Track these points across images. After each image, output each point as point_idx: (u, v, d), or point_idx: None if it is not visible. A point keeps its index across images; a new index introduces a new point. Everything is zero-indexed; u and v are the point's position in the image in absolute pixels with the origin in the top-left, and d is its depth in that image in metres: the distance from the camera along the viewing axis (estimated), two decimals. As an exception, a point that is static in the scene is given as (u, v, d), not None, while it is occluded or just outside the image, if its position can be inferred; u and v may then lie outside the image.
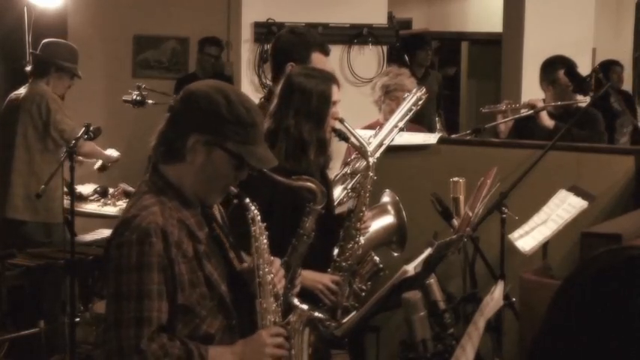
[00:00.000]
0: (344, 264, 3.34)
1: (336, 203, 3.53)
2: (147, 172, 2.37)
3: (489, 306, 2.39)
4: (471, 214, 3.40)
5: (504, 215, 3.62)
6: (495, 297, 2.47)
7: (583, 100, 5.03)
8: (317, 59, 3.59)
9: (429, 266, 2.97)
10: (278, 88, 3.31)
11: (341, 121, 3.34)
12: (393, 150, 3.90)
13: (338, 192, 3.60)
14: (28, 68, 5.45)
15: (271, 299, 2.37)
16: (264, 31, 6.09)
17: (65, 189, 5.07)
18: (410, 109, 3.87)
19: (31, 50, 5.91)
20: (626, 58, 8.71)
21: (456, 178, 3.67)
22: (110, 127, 5.97)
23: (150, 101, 4.58)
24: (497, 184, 3.59)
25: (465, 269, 3.77)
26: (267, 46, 5.59)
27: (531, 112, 4.93)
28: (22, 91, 5.37)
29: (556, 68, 5.05)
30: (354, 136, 3.40)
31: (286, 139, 3.19)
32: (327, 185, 3.32)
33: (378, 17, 6.36)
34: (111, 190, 5.75)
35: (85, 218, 5.57)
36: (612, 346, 1.21)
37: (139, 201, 2.29)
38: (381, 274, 3.46)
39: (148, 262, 2.19)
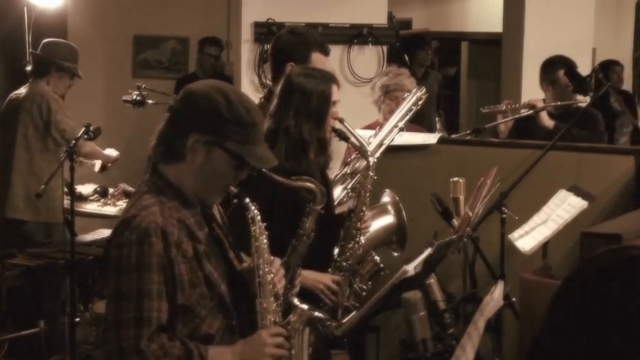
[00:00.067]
0: (344, 264, 3.34)
1: (336, 203, 3.53)
2: (147, 172, 2.37)
3: (489, 306, 2.39)
4: (471, 214, 3.40)
5: (504, 215, 3.62)
6: (495, 297, 2.47)
7: (583, 100, 5.03)
8: (317, 59, 3.59)
9: (429, 266, 2.97)
10: (278, 88, 3.31)
11: (341, 121, 3.34)
12: (393, 150, 3.90)
13: (338, 192, 3.60)
14: (29, 68, 5.46)
15: (271, 299, 2.37)
16: (264, 31, 6.09)
17: (65, 189, 5.07)
18: (410, 109, 3.87)
19: (31, 50, 5.91)
20: (626, 58, 8.71)
21: (456, 178, 3.67)
22: (110, 127, 5.97)
23: (150, 101, 4.59)
24: (497, 184, 3.59)
25: (465, 269, 3.77)
26: (267, 46, 5.59)
27: (531, 112, 4.93)
28: (22, 90, 5.37)
29: (556, 68, 5.05)
30: (354, 136, 3.40)
31: (286, 139, 3.19)
32: (327, 185, 3.32)
33: (378, 17, 6.36)
34: (111, 190, 5.75)
35: (85, 218, 5.57)
36: (612, 346, 1.21)
37: (138, 201, 2.29)
38: (381, 273, 3.46)
39: (147, 262, 2.19)
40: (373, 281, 3.46)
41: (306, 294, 3.07)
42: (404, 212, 3.57)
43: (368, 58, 6.33)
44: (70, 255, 4.54)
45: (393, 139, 3.80)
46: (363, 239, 3.35)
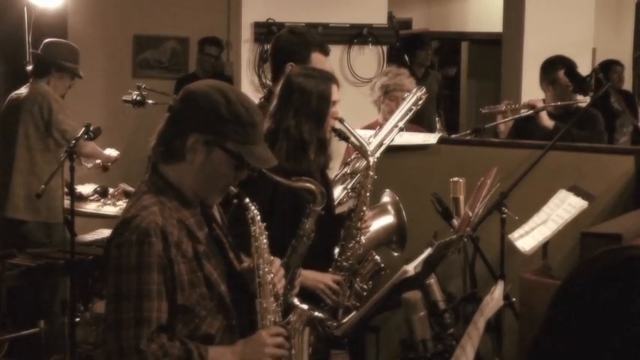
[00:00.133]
0: (345, 263, 3.34)
1: (336, 203, 3.53)
2: (147, 172, 2.37)
3: (489, 306, 2.39)
4: (470, 214, 3.40)
5: (504, 215, 3.62)
6: (495, 297, 2.47)
7: (583, 100, 5.03)
8: (317, 59, 3.59)
9: (429, 266, 2.97)
10: (278, 88, 3.31)
11: (341, 120, 3.34)
12: (393, 150, 3.90)
13: (338, 192, 3.60)
14: (29, 68, 5.46)
15: (271, 299, 2.37)
16: (264, 31, 6.09)
17: (65, 189, 5.07)
18: (410, 109, 3.87)
19: (31, 50, 5.91)
20: (626, 58, 8.71)
21: (456, 178, 3.67)
22: (110, 127, 5.97)
23: (150, 101, 4.59)
24: (497, 184, 3.59)
25: (465, 269, 3.77)
26: (267, 46, 5.59)
27: (531, 112, 4.93)
28: (23, 90, 5.37)
29: (556, 68, 5.05)
30: (354, 136, 3.40)
31: (286, 139, 3.19)
32: (328, 185, 3.32)
33: (378, 17, 6.36)
34: (111, 190, 5.75)
35: (85, 218, 5.57)
36: (612, 346, 1.21)
37: (138, 201, 2.29)
38: (382, 273, 3.46)
39: (147, 263, 2.19)
40: (374, 281, 3.46)
41: (307, 294, 3.07)
42: (404, 212, 3.57)
43: (368, 58, 6.33)
44: (70, 255, 4.54)
45: (393, 139, 3.80)
46: (363, 239, 3.36)
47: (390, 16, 6.82)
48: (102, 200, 5.68)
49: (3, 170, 5.30)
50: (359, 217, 3.33)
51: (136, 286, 2.18)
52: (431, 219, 3.68)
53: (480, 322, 2.29)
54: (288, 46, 3.65)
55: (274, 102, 3.27)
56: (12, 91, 5.54)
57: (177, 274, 2.22)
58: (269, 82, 4.94)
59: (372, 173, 3.36)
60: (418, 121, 4.88)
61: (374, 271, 3.47)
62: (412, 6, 9.99)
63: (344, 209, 3.49)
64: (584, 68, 5.52)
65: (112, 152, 5.64)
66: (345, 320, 3.05)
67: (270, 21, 6.11)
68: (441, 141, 4.35)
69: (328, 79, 3.28)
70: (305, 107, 3.20)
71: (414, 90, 3.97)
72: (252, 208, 2.37)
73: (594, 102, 4.82)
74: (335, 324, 3.00)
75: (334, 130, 3.30)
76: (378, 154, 3.63)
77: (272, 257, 2.43)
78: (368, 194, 3.35)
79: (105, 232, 5.23)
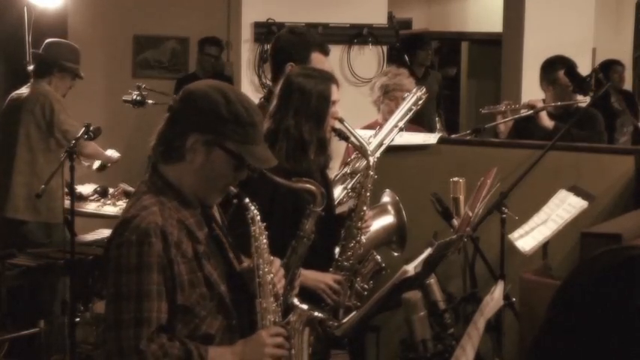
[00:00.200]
0: (346, 263, 3.34)
1: (336, 203, 3.53)
2: (147, 172, 2.37)
3: (489, 306, 2.39)
4: (470, 214, 3.40)
5: (504, 215, 3.62)
6: (495, 297, 2.47)
7: (583, 100, 5.03)
8: (316, 59, 3.59)
9: (429, 266, 2.97)
10: (278, 88, 3.31)
11: (341, 120, 3.34)
12: (393, 150, 3.90)
13: (338, 192, 3.60)
14: (30, 68, 5.45)
15: (271, 299, 2.37)
16: (264, 31, 6.09)
17: (65, 189, 5.07)
18: (410, 109, 3.86)
19: (32, 50, 5.91)
20: (626, 58, 8.70)
21: (456, 178, 3.67)
22: (110, 127, 5.97)
23: (150, 101, 4.59)
24: (497, 184, 3.59)
25: (465, 269, 3.77)
26: (267, 46, 5.59)
27: (531, 112, 4.93)
28: (24, 90, 5.37)
29: (556, 68, 5.04)
30: (354, 136, 3.40)
31: (286, 139, 3.19)
32: (328, 185, 3.32)
33: (378, 17, 6.36)
34: (111, 190, 5.75)
35: (85, 218, 5.57)
36: (612, 346, 1.21)
37: (138, 201, 2.29)
38: (383, 272, 3.46)
39: (147, 263, 2.18)
40: (374, 280, 3.46)
41: (308, 294, 3.07)
42: (404, 212, 3.57)
43: (368, 58, 6.33)
44: (70, 255, 4.54)
45: (393, 139, 3.79)
46: (364, 239, 3.36)
47: (390, 16, 6.82)
48: (102, 200, 5.68)
49: (3, 170, 5.30)
50: (359, 217, 3.33)
51: (135, 287, 2.18)
52: (431, 219, 3.68)
53: (480, 322, 2.30)
54: (288, 46, 3.65)
55: (274, 102, 3.27)
56: (12, 91, 5.54)
57: (177, 275, 2.22)
58: (269, 82, 4.94)
59: (372, 173, 3.36)
60: (418, 121, 4.88)
61: (375, 270, 3.47)
62: (412, 6, 9.99)
63: (344, 209, 3.49)
64: (584, 68, 5.52)
65: (113, 153, 5.64)
66: (345, 320, 3.05)
67: (270, 21, 6.11)
68: (441, 141, 4.35)
69: (328, 79, 3.28)
70: (305, 107, 3.20)
71: (414, 90, 3.96)
72: (252, 208, 2.37)
73: (594, 102, 4.82)
74: (335, 324, 3.00)
75: (334, 130, 3.30)
76: (378, 154, 3.63)
77: (272, 257, 2.43)
78: (368, 194, 3.35)
79: (105, 232, 5.23)
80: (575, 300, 1.27)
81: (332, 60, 3.95)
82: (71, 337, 4.55)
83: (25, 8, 6.34)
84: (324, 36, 5.27)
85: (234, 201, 2.38)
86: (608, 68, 7.08)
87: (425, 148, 4.30)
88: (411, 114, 3.87)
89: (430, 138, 4.38)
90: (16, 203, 5.21)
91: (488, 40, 9.50)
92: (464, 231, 3.35)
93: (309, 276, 3.17)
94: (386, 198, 3.66)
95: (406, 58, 7.57)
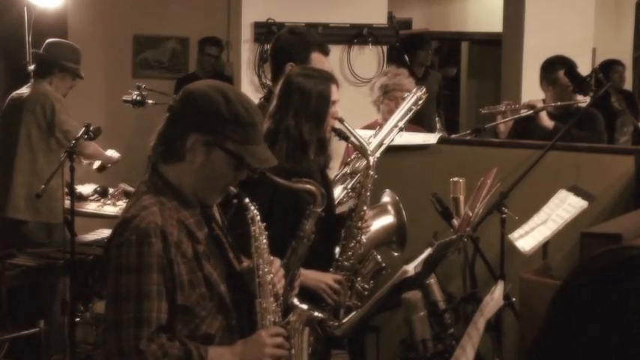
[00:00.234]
0: (346, 263, 3.34)
1: (336, 203, 3.53)
2: (146, 172, 2.37)
3: (489, 306, 2.39)
4: (471, 214, 3.40)
5: (504, 215, 3.62)
6: (495, 297, 2.47)
7: (583, 100, 5.03)
8: (316, 59, 3.59)
9: (429, 266, 2.97)
10: (277, 88, 3.31)
11: (340, 120, 3.34)
12: (393, 150, 3.90)
13: (338, 192, 3.60)
14: (31, 68, 5.45)
15: (271, 299, 2.37)
16: (264, 31, 6.09)
17: (65, 189, 5.07)
18: (410, 109, 3.86)
19: (32, 50, 5.91)
20: (626, 58, 8.70)
21: (456, 178, 3.67)
22: (110, 127, 5.97)
23: (150, 101, 4.59)
24: (497, 184, 3.59)
25: (465, 269, 3.77)
26: (267, 46, 5.59)
27: (531, 112, 4.93)
28: (24, 90, 5.37)
29: (556, 68, 5.05)
30: (354, 136, 3.40)
31: (286, 140, 3.19)
32: (328, 185, 3.32)
33: (378, 17, 6.36)
34: (111, 190, 5.75)
35: (85, 218, 5.57)
36: (612, 346, 1.21)
37: (138, 201, 2.29)
38: (383, 272, 3.46)
39: (147, 263, 2.18)
40: (375, 280, 3.46)
41: (308, 294, 3.07)
42: (404, 212, 3.57)
43: (368, 58, 6.33)
44: (70, 255, 4.54)
45: (393, 139, 3.79)
46: (364, 238, 3.36)
47: (390, 16, 6.82)
48: (102, 200, 5.68)
49: (4, 170, 5.30)
50: (359, 217, 3.33)
51: (135, 287, 2.18)
52: (431, 219, 3.68)
53: (480, 322, 2.29)
54: (287, 46, 3.64)
55: (274, 102, 3.27)
56: (12, 90, 5.54)
57: (177, 275, 2.22)
58: (269, 82, 4.94)
59: (372, 173, 3.36)
60: (418, 121, 4.88)
61: (375, 270, 3.47)
62: (412, 6, 9.99)
63: (344, 209, 3.49)
64: (584, 68, 5.52)
65: (113, 154, 5.64)
66: (345, 320, 3.05)
67: (270, 21, 6.11)
68: (441, 141, 4.35)
69: (328, 79, 3.28)
70: (305, 107, 3.20)
71: (414, 90, 3.96)
72: (252, 208, 2.37)
73: (594, 102, 4.82)
74: (335, 324, 3.00)
75: (334, 129, 3.30)
76: (378, 154, 3.63)
77: (272, 257, 2.43)
78: (368, 194, 3.35)
79: (105, 232, 5.23)
80: (575, 300, 1.27)
81: (332, 60, 3.94)
82: (71, 337, 4.55)
83: (25, 8, 6.34)
84: (324, 36, 5.27)
85: (234, 201, 2.38)
86: (609, 68, 7.07)
87: (425, 148, 4.30)
88: (411, 114, 3.87)
89: (430, 138, 4.38)
90: (16, 203, 5.21)
91: (488, 40, 9.50)
92: (464, 231, 3.35)
93: (310, 276, 3.17)
94: (386, 198, 3.66)
95: (406, 58, 7.58)
